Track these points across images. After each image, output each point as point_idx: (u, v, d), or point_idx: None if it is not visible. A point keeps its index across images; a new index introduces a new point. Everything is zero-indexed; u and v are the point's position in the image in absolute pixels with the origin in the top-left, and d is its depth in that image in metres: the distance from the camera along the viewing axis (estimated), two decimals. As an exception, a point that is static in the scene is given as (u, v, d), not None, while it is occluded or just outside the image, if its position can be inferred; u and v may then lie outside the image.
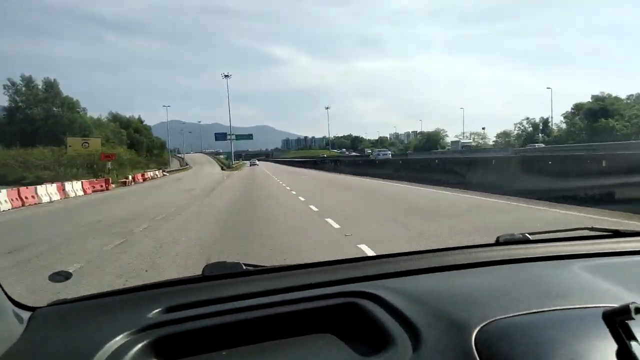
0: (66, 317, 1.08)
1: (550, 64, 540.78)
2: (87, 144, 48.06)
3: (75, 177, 34.30)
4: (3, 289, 1.05)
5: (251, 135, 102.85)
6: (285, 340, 0.96)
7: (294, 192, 17.89)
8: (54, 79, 60.04)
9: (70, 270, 2.75)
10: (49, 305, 1.15)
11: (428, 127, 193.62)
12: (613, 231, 1.45)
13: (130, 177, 39.44)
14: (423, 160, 29.10)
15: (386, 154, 57.17)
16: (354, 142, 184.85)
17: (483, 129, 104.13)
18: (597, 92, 59.89)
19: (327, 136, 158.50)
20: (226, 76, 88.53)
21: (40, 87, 58.71)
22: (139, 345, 0.89)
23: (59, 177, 36.31)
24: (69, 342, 0.95)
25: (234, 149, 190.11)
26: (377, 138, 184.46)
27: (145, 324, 0.96)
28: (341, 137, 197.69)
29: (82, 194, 26.10)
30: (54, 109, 57.81)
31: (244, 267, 1.28)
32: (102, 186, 29.79)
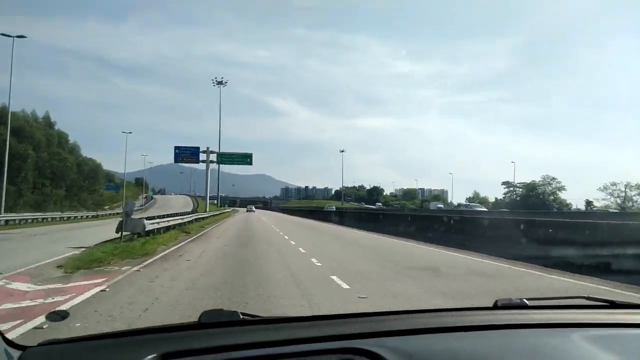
0: (56, 358, 1.04)
1: (539, 131, 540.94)
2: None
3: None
4: None
5: (249, 157, 60.10)
6: None
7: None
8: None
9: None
10: (39, 345, 1.10)
11: (425, 185, 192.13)
12: (609, 302, 1.47)
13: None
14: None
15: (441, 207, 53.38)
16: (372, 193, 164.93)
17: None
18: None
19: (342, 185, 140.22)
20: (219, 83, 67.77)
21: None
22: None
23: None
24: None
25: (227, 194, 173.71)
26: (394, 190, 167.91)
27: None
28: (351, 187, 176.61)
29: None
30: None
31: (241, 317, 1.25)
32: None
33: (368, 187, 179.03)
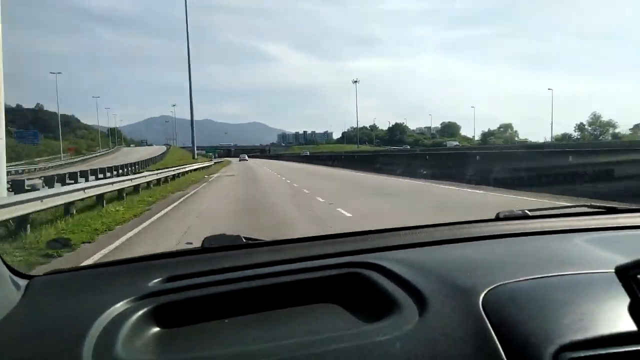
0: (64, 285, 1.06)
1: (540, 67, 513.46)
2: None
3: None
4: (1, 257, 1.03)
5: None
6: (288, 310, 0.95)
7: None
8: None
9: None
10: (45, 274, 1.13)
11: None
12: (609, 208, 1.51)
13: None
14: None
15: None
16: (393, 131, 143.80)
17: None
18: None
19: (357, 124, 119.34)
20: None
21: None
22: (140, 313, 0.88)
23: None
24: (67, 308, 0.93)
25: (220, 144, 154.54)
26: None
27: (146, 292, 0.94)
28: (353, 129, 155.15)
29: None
30: None
31: (244, 240, 1.27)
32: None
33: (390, 125, 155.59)
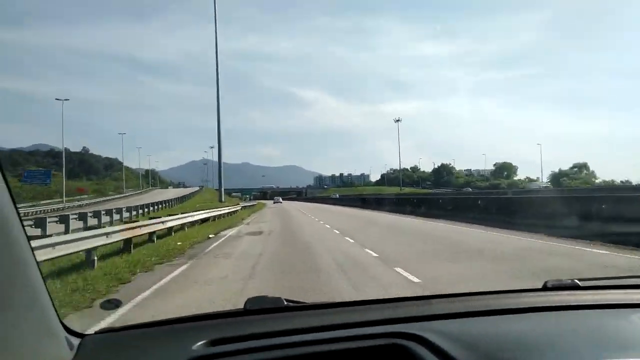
0: (114, 345, 1.09)
1: (574, 106, 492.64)
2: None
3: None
4: (58, 315, 1.04)
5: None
6: None
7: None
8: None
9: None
10: (97, 333, 1.16)
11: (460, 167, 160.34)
12: None
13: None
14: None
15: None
16: (438, 173, 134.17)
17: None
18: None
19: (399, 166, 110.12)
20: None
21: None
22: None
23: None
24: None
25: (261, 186, 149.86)
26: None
27: (191, 356, 0.96)
28: (392, 170, 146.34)
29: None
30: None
31: (285, 303, 1.25)
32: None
33: (435, 167, 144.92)
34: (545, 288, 1.33)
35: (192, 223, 18.42)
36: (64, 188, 55.25)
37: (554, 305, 1.18)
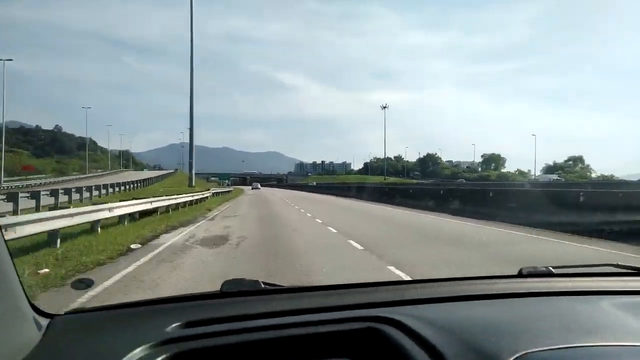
0: (84, 326, 1.06)
1: (557, 104, 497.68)
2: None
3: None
4: (26, 295, 1.02)
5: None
6: None
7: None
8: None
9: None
10: (67, 313, 1.13)
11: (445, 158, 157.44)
12: (638, 269, 1.40)
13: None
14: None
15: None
16: (424, 163, 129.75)
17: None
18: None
19: (384, 155, 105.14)
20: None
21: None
22: (158, 359, 0.88)
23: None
24: (86, 351, 0.93)
25: (241, 171, 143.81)
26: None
27: (165, 337, 0.94)
28: (380, 159, 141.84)
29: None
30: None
31: (263, 286, 1.24)
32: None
33: (421, 156, 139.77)
34: (520, 275, 1.36)
35: (132, 216, 12.85)
36: (2, 166, 47.70)
37: (528, 291, 1.21)
